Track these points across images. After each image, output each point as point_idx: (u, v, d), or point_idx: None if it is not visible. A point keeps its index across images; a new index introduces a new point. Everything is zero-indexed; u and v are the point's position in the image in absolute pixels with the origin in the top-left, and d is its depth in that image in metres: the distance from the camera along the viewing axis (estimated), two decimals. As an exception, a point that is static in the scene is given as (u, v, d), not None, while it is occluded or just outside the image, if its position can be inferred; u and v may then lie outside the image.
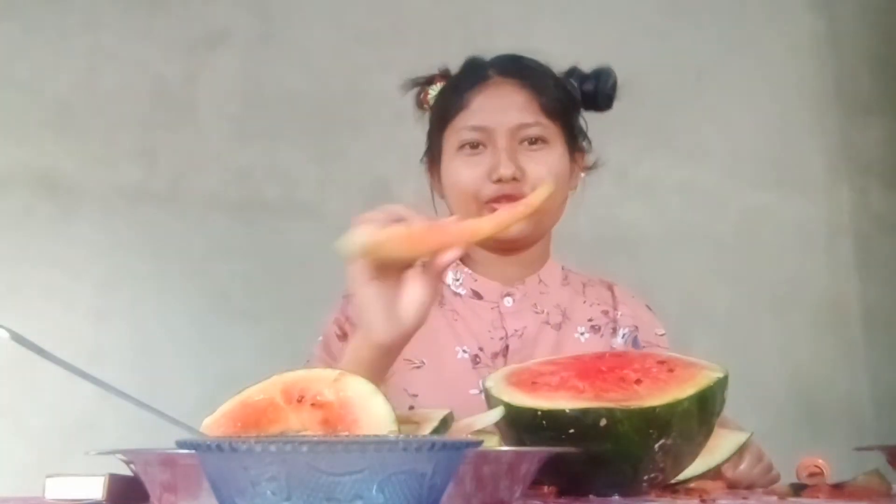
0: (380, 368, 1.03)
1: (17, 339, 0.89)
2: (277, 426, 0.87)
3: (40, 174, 1.95)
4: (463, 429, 0.88)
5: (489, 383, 0.92)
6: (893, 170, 2.69)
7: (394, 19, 2.24)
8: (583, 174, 1.42)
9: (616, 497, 0.86)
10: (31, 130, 1.96)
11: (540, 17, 2.35)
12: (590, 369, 0.91)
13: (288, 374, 0.88)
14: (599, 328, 1.39)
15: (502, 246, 1.36)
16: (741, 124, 2.54)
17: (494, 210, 1.29)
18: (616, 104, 1.37)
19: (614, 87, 1.39)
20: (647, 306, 1.43)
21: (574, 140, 1.38)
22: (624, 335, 1.38)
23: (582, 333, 1.38)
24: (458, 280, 1.40)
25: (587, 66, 1.40)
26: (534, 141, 1.32)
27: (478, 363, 1.33)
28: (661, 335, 1.40)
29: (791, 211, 2.58)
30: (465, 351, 1.34)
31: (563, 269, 1.43)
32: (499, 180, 1.29)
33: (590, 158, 1.45)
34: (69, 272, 1.94)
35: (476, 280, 1.39)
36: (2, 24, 1.97)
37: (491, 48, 1.41)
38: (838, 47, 2.70)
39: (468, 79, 1.36)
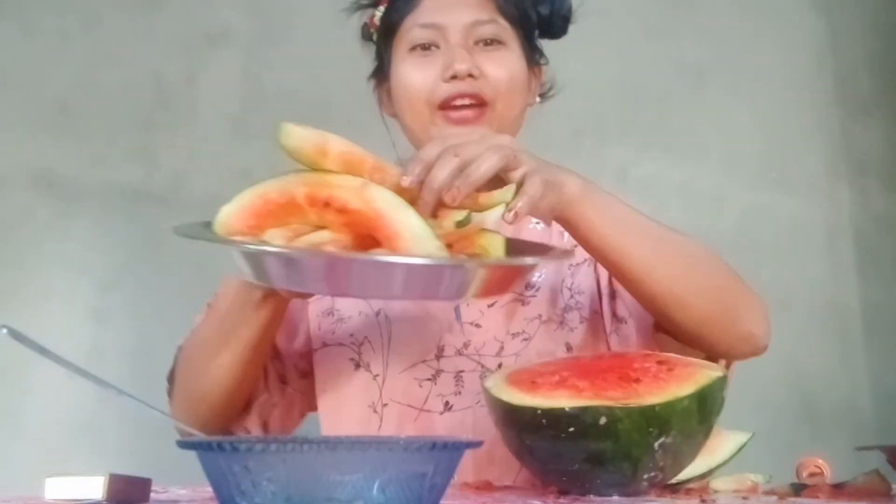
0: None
1: (17, 336, 0.89)
2: (297, 222, 0.87)
3: (40, 174, 1.94)
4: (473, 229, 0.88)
5: (489, 383, 0.92)
6: (893, 170, 2.69)
7: (394, 19, 2.24)
8: (538, 99, 1.34)
9: (616, 497, 0.87)
10: (31, 130, 1.95)
11: (540, 17, 2.35)
12: (589, 369, 0.91)
13: (309, 175, 0.88)
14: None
15: None
16: (741, 124, 2.54)
17: (448, 117, 1.21)
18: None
19: (570, 9, 1.31)
20: None
21: (532, 50, 1.31)
22: None
23: (536, 224, 1.29)
24: None
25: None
26: (490, 42, 1.23)
27: None
28: None
29: (791, 211, 2.58)
30: None
31: None
32: (454, 77, 1.20)
33: (546, 83, 1.37)
34: (69, 272, 1.94)
35: None
36: (2, 24, 1.97)
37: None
38: (838, 47, 2.70)
39: None
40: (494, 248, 0.89)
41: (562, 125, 2.36)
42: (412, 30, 1.24)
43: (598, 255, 1.06)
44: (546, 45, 1.38)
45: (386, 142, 1.37)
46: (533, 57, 1.32)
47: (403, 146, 1.30)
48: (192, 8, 2.11)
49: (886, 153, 2.69)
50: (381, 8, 1.32)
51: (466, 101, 1.21)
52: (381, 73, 1.31)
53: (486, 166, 0.91)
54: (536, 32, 1.33)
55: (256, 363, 1.17)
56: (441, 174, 0.90)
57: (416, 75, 1.23)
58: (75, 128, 1.98)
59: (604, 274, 1.23)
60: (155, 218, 2.00)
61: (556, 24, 1.31)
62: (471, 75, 1.20)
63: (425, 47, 1.23)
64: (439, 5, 1.24)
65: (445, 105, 1.21)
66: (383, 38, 1.30)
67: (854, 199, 2.65)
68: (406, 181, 0.90)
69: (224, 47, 2.12)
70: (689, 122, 2.49)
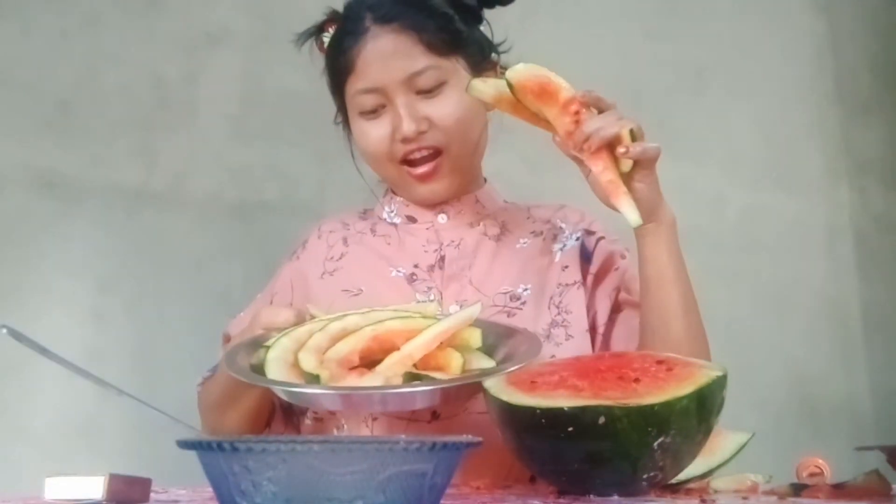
0: None
1: (17, 336, 0.89)
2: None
3: (40, 174, 1.94)
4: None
5: (488, 384, 0.92)
6: (893, 170, 2.69)
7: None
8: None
9: (615, 496, 0.87)
10: (31, 130, 1.95)
11: (539, 17, 2.35)
12: (589, 369, 0.91)
13: (383, 327, 1.04)
14: (542, 233, 1.36)
15: (431, 201, 1.35)
16: (741, 124, 2.54)
17: (412, 172, 1.29)
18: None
19: None
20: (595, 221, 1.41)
21: (478, 62, 1.33)
22: (566, 234, 1.36)
23: (524, 242, 1.35)
24: (392, 211, 1.39)
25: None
26: (431, 88, 1.27)
27: (414, 280, 1.30)
28: (613, 240, 1.37)
29: (791, 211, 2.58)
30: (399, 271, 1.31)
31: (504, 200, 1.42)
32: (404, 139, 1.26)
33: (505, 59, 1.39)
34: (69, 272, 1.94)
35: (408, 206, 1.37)
36: (2, 24, 1.97)
37: (489, 48, 1.40)
38: (838, 47, 2.70)
39: (349, 33, 1.30)
40: (473, 339, 1.07)
41: (562, 125, 2.35)
42: (356, 96, 1.30)
43: (650, 276, 1.19)
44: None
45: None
46: (481, 65, 1.34)
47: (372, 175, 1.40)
48: (192, 8, 2.11)
49: (886, 153, 2.69)
50: (329, 31, 1.37)
51: (423, 153, 1.29)
52: (344, 117, 1.38)
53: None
54: (482, 18, 1.37)
55: (262, 415, 1.27)
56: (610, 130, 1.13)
57: (371, 136, 1.30)
58: (75, 128, 1.98)
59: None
60: (155, 218, 2.00)
61: None
62: (421, 132, 1.26)
63: (373, 110, 1.29)
64: (372, 60, 1.27)
65: (404, 160, 1.30)
66: (335, 90, 1.36)
67: (854, 199, 2.65)
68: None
69: (224, 47, 2.12)
70: (688, 122, 2.49)
